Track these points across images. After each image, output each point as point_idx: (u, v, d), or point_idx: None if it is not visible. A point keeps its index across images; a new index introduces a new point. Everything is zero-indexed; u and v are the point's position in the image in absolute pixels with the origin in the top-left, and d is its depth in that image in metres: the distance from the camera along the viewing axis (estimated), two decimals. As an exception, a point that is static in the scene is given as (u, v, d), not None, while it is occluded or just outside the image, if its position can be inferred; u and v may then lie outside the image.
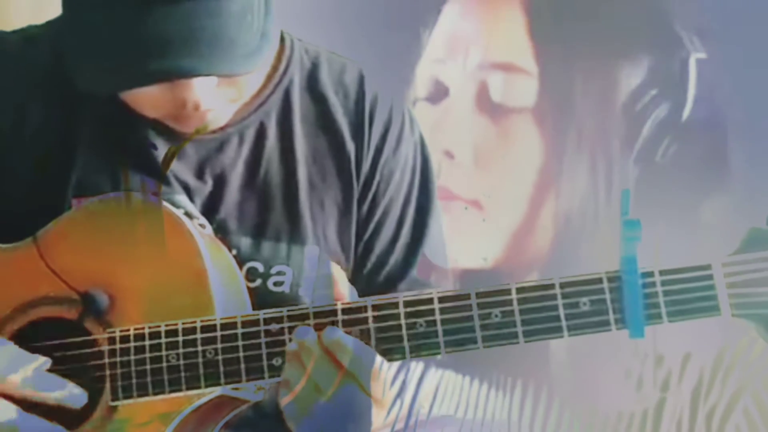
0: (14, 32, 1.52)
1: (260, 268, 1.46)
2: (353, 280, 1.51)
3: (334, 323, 1.29)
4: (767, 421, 2.06)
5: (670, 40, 2.11)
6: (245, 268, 1.45)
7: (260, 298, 1.43)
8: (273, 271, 1.46)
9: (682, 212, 2.06)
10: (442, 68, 2.19)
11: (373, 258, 1.51)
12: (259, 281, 1.46)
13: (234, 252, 1.45)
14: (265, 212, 1.47)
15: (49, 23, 1.50)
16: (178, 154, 1.44)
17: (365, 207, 1.50)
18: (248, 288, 1.42)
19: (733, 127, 2.08)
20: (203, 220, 1.45)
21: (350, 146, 1.49)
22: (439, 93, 2.19)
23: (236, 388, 1.33)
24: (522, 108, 2.15)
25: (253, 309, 1.39)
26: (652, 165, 2.11)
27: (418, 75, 2.21)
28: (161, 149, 1.45)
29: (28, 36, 1.50)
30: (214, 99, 1.35)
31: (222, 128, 1.45)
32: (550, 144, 2.15)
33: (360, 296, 1.36)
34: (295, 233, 1.47)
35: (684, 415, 2.06)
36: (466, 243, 1.57)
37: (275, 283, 1.46)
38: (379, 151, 1.50)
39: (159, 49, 1.28)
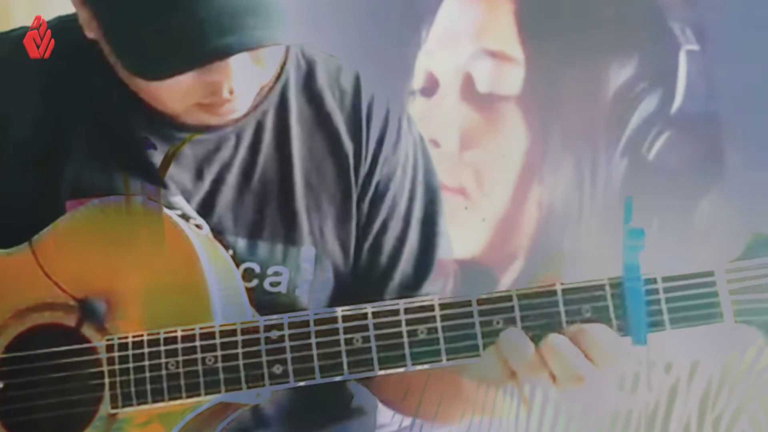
0: (8, 32, 1.50)
1: (257, 268, 1.45)
2: (358, 279, 1.49)
3: (334, 330, 1.28)
4: (775, 428, 2.06)
5: (661, 31, 2.10)
6: (242, 268, 1.44)
7: (257, 298, 1.42)
8: (269, 271, 1.45)
9: (672, 208, 2.05)
10: (433, 60, 2.19)
11: (383, 259, 1.49)
12: (255, 281, 1.45)
13: (230, 252, 1.44)
14: (260, 213, 1.46)
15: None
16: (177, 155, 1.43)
17: (365, 206, 1.48)
18: (245, 288, 1.41)
19: (726, 121, 2.07)
20: (200, 221, 1.44)
21: (348, 146, 1.48)
22: (431, 86, 2.18)
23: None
24: (507, 96, 2.14)
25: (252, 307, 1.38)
26: (639, 158, 2.10)
27: (416, 69, 2.20)
28: (161, 150, 1.43)
29: (23, 36, 1.48)
30: (247, 81, 1.33)
31: (219, 128, 1.43)
32: (535, 133, 2.14)
33: (366, 298, 1.34)
34: (290, 234, 1.46)
35: (692, 421, 2.05)
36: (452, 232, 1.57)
37: (272, 284, 1.45)
38: (377, 150, 1.48)
39: (225, 23, 1.23)
